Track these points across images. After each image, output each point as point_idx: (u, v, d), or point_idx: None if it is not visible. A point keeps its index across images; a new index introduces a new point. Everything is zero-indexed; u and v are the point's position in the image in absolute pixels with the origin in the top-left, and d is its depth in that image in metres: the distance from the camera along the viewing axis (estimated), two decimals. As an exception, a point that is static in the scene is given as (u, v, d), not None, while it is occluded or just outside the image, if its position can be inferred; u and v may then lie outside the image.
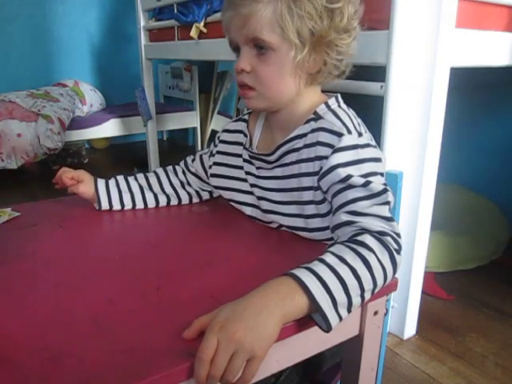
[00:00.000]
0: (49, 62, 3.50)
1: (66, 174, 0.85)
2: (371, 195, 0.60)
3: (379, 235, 0.56)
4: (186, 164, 0.90)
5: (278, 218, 0.73)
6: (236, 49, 0.69)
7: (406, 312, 1.31)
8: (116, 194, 0.84)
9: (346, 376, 0.67)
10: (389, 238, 0.56)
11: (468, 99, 1.94)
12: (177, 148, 3.95)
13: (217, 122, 3.51)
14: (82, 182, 0.85)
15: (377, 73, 1.09)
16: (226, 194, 0.83)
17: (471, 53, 1.16)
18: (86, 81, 3.48)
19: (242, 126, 0.81)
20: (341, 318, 0.50)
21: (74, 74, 3.48)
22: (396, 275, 0.58)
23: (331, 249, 0.55)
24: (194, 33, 1.79)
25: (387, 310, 0.65)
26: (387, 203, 0.60)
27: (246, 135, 0.79)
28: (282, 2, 0.61)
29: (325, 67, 0.67)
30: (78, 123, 2.98)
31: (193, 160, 0.89)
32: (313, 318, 0.50)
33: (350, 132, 0.64)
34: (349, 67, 0.70)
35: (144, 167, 2.68)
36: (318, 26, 0.62)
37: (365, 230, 0.57)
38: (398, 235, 0.58)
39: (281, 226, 0.75)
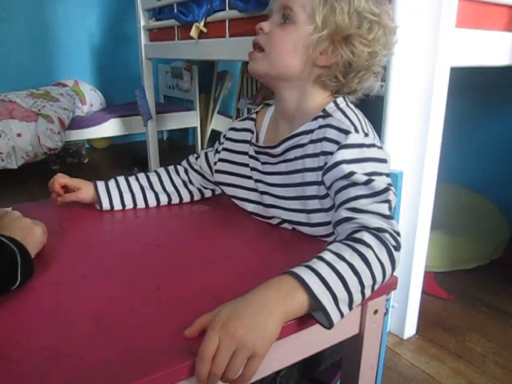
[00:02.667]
0: (49, 61, 3.50)
1: (60, 180, 0.84)
2: (372, 193, 0.60)
3: (377, 232, 0.56)
4: (188, 162, 0.91)
5: (280, 212, 0.74)
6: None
7: (406, 312, 1.31)
8: (117, 194, 0.84)
9: (345, 375, 0.67)
10: (387, 235, 0.56)
11: (468, 99, 1.95)
12: (177, 148, 3.95)
13: (217, 122, 3.51)
14: (80, 190, 0.84)
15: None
16: (229, 191, 0.84)
17: (471, 53, 1.16)
18: (86, 80, 3.48)
19: (249, 124, 0.82)
20: (342, 315, 0.50)
21: (73, 74, 3.48)
22: (396, 275, 0.58)
23: (329, 247, 0.55)
24: (194, 32, 1.79)
25: (387, 310, 0.66)
26: (387, 201, 0.61)
27: (252, 132, 0.80)
28: None
29: (335, 65, 0.67)
30: (78, 123, 2.98)
31: (196, 158, 0.90)
32: (314, 316, 0.51)
33: (357, 131, 0.65)
34: (361, 89, 0.72)
35: (144, 167, 2.68)
36: (344, 23, 0.64)
37: (363, 227, 0.58)
38: (397, 233, 0.58)
39: (282, 221, 0.75)
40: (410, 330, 1.35)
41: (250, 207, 0.80)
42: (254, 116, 0.83)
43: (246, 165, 0.80)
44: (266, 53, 0.69)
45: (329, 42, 0.66)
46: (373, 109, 1.09)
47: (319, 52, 0.67)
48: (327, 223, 0.68)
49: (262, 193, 0.77)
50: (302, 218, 0.71)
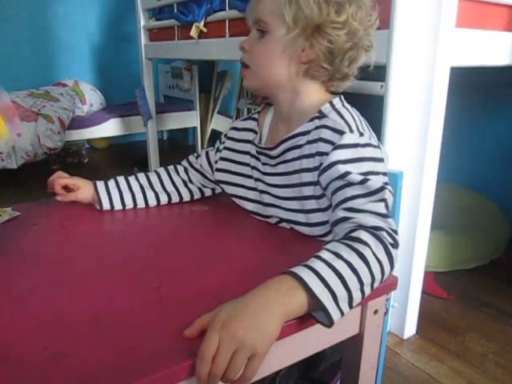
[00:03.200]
0: (49, 61, 3.50)
1: (60, 181, 0.84)
2: (368, 193, 0.61)
3: (374, 230, 0.57)
4: (189, 161, 0.91)
5: (279, 212, 0.74)
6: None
7: (406, 311, 1.31)
8: (117, 194, 0.84)
9: (345, 375, 0.67)
10: (384, 233, 0.57)
11: (468, 99, 1.94)
12: (177, 148, 3.95)
13: (217, 122, 3.51)
14: (80, 189, 0.84)
15: (377, 72, 1.09)
16: (229, 189, 0.84)
17: (471, 52, 1.16)
18: (86, 80, 3.48)
19: (251, 124, 0.83)
20: (342, 313, 0.50)
21: (74, 74, 3.48)
22: (396, 275, 0.59)
23: (327, 246, 0.56)
24: (194, 32, 1.79)
25: (387, 310, 0.66)
26: (383, 200, 0.61)
27: (256, 132, 0.81)
28: None
29: (316, 58, 0.68)
30: (78, 123, 2.98)
31: (197, 157, 0.91)
32: (314, 316, 0.51)
33: (351, 131, 0.65)
34: (353, 72, 0.71)
35: (144, 167, 2.68)
36: (314, 13, 0.64)
37: (360, 226, 0.58)
38: (394, 231, 0.58)
39: (281, 220, 0.75)
40: (410, 329, 1.35)
41: (249, 206, 0.81)
42: (256, 116, 0.83)
43: (247, 164, 0.80)
44: (252, 69, 0.72)
45: (303, 38, 0.67)
46: (373, 109, 1.09)
47: (300, 50, 0.67)
48: (324, 223, 0.69)
49: (262, 192, 0.77)
50: (300, 217, 0.71)
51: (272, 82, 0.72)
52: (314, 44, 0.66)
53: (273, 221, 0.77)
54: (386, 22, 1.02)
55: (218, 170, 0.86)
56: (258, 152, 0.78)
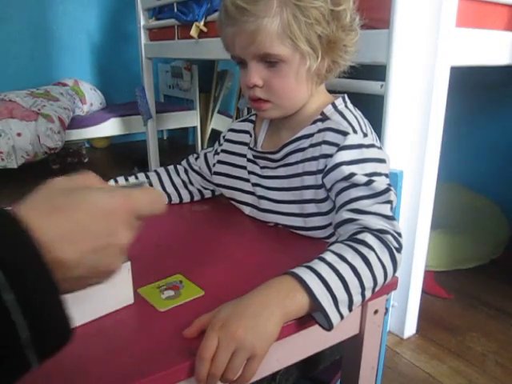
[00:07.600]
0: (49, 61, 3.50)
1: None
2: (373, 194, 0.60)
3: (379, 233, 0.56)
4: (188, 162, 0.90)
5: (277, 217, 0.74)
6: (240, 62, 0.67)
7: (406, 311, 1.31)
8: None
9: (346, 375, 0.67)
10: (389, 237, 0.56)
11: (468, 99, 1.94)
12: (177, 147, 3.95)
13: (217, 122, 3.51)
14: None
15: (377, 72, 1.09)
16: (227, 193, 0.84)
17: (471, 52, 1.16)
18: (86, 80, 3.48)
19: (248, 126, 0.82)
20: (342, 317, 0.50)
21: (74, 73, 3.48)
22: (396, 274, 0.58)
23: (331, 247, 0.55)
24: (194, 32, 1.79)
25: (387, 309, 0.66)
26: (389, 202, 0.61)
27: (251, 135, 0.80)
28: (287, 12, 0.60)
29: (334, 67, 0.67)
30: (78, 122, 2.98)
31: (196, 158, 0.90)
32: (314, 317, 0.51)
33: (355, 131, 0.65)
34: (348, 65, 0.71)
35: (144, 166, 2.68)
36: (325, 30, 0.62)
37: (365, 229, 0.58)
38: (399, 234, 0.58)
39: (277, 225, 0.75)
40: (410, 329, 1.35)
41: (246, 210, 0.80)
42: (253, 118, 0.82)
43: (244, 167, 0.80)
44: (275, 103, 0.67)
45: (326, 56, 0.65)
46: (373, 109, 1.09)
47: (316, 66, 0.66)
48: (324, 227, 0.69)
49: (260, 197, 0.77)
50: (298, 222, 0.71)
51: (298, 105, 0.69)
52: (337, 60, 0.66)
53: (270, 225, 0.77)
54: (386, 22, 1.02)
55: (215, 173, 0.85)
56: (255, 156, 0.78)
